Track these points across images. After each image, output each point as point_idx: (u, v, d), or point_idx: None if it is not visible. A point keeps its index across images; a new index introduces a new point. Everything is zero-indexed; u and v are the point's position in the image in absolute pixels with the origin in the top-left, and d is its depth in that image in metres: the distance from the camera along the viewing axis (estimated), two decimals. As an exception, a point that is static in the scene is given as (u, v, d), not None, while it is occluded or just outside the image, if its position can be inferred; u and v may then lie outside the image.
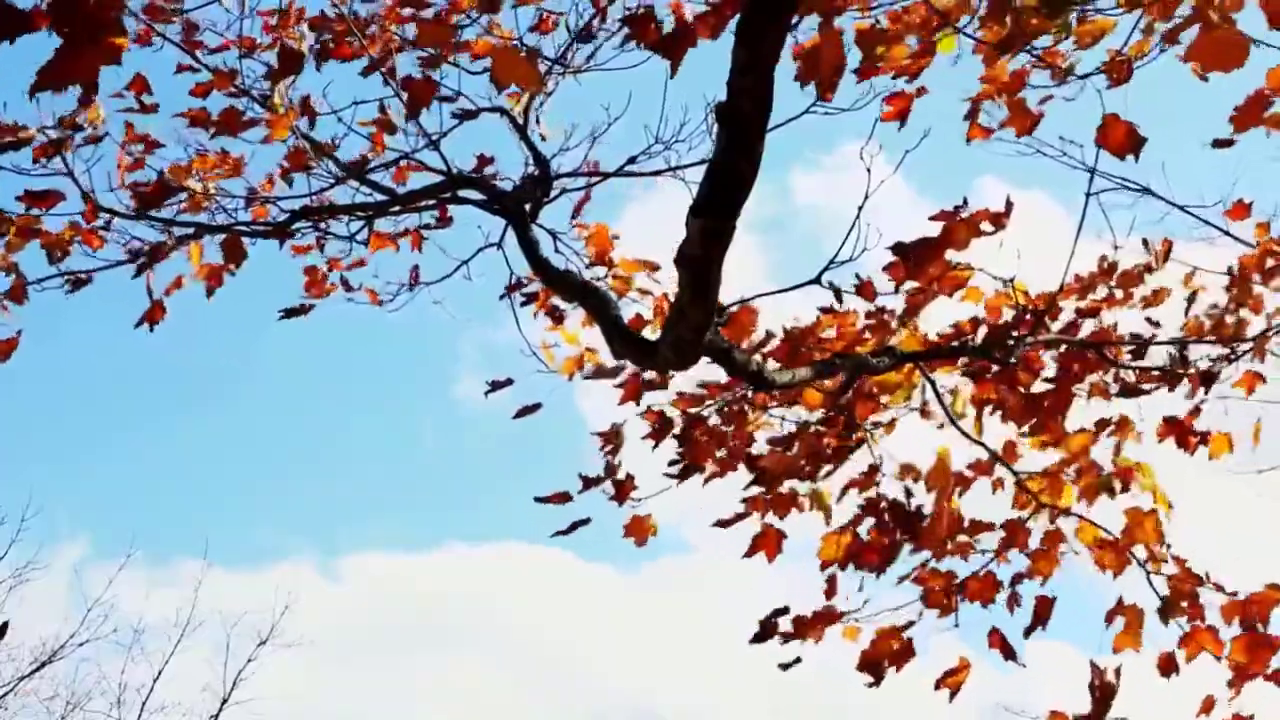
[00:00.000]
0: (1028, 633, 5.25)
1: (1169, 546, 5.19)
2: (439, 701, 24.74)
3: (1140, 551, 5.19)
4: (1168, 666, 5.23)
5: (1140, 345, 5.52)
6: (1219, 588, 5.13)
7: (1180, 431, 5.53)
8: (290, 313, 5.94)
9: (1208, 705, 5.15)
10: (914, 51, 4.45)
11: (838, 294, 4.91)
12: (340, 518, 31.30)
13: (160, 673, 18.37)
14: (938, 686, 5.17)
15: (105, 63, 3.14)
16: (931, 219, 4.85)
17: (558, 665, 26.49)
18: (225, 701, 18.34)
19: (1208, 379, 5.49)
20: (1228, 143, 4.49)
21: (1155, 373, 5.53)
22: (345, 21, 5.05)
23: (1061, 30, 4.43)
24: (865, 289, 5.06)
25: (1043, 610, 5.27)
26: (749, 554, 5.47)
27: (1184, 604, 5.16)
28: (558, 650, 26.79)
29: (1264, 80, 3.75)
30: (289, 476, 30.92)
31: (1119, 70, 4.29)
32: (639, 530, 5.68)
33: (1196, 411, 5.60)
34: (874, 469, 5.44)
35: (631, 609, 27.90)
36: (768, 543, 5.46)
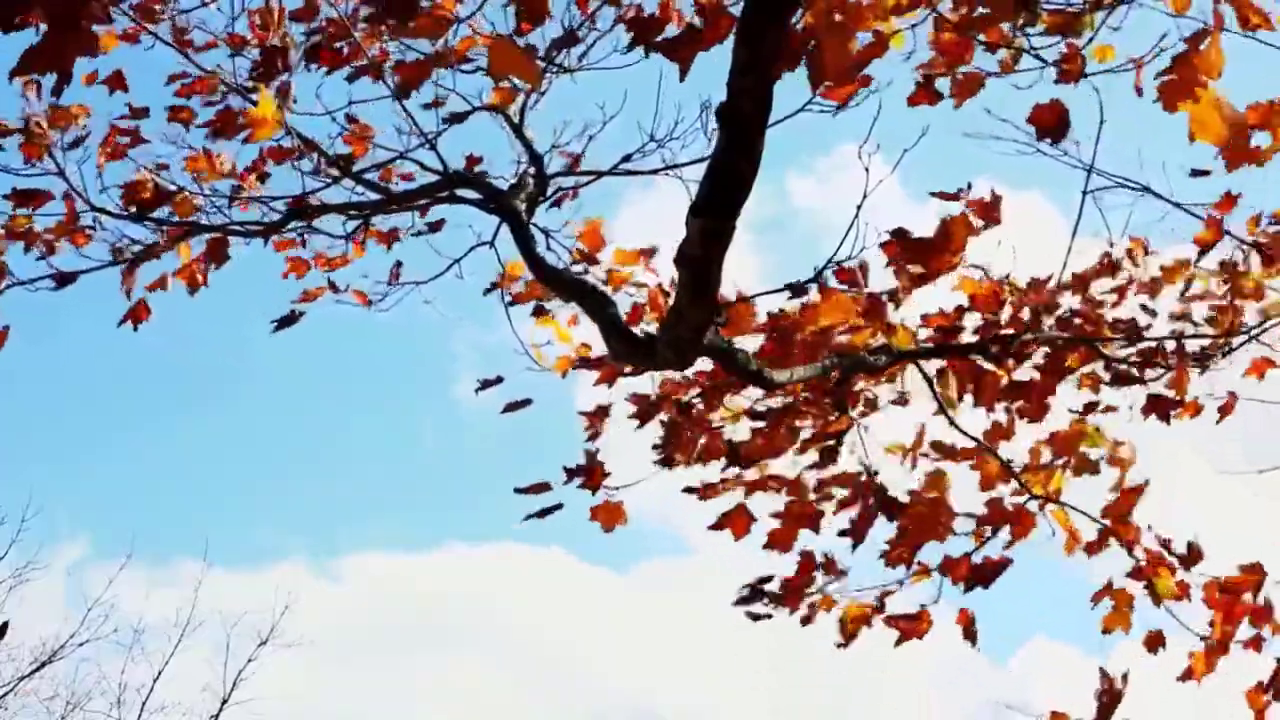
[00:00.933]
0: (969, 587, 5.29)
1: (1149, 529, 5.26)
2: (439, 701, 24.79)
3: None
4: (1154, 643, 5.33)
5: (1134, 336, 5.56)
6: (1194, 551, 5.20)
7: (1161, 406, 5.58)
8: (282, 323, 5.89)
9: (1187, 673, 5.24)
10: (865, 45, 4.47)
11: (822, 286, 4.91)
12: (339, 518, 31.32)
13: (160, 673, 18.37)
14: (898, 644, 5.23)
15: (83, 53, 3.13)
16: (932, 194, 4.90)
17: (557, 665, 26.57)
18: (225, 701, 18.32)
19: (1202, 360, 5.53)
20: (1205, 172, 4.63)
21: (1148, 358, 5.58)
22: (340, 20, 5.02)
23: (1028, 19, 4.45)
24: (846, 274, 5.05)
25: (995, 569, 5.29)
26: (716, 527, 5.43)
27: (1171, 583, 5.24)
28: (557, 650, 26.90)
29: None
30: (288, 476, 30.91)
31: (1071, 65, 4.33)
32: (608, 516, 5.61)
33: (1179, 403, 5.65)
34: (834, 449, 5.43)
35: (630, 610, 28.02)
36: (737, 520, 5.45)
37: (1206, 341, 5.60)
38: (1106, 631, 5.32)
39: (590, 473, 5.53)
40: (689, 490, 5.53)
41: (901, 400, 5.47)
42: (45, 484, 30.66)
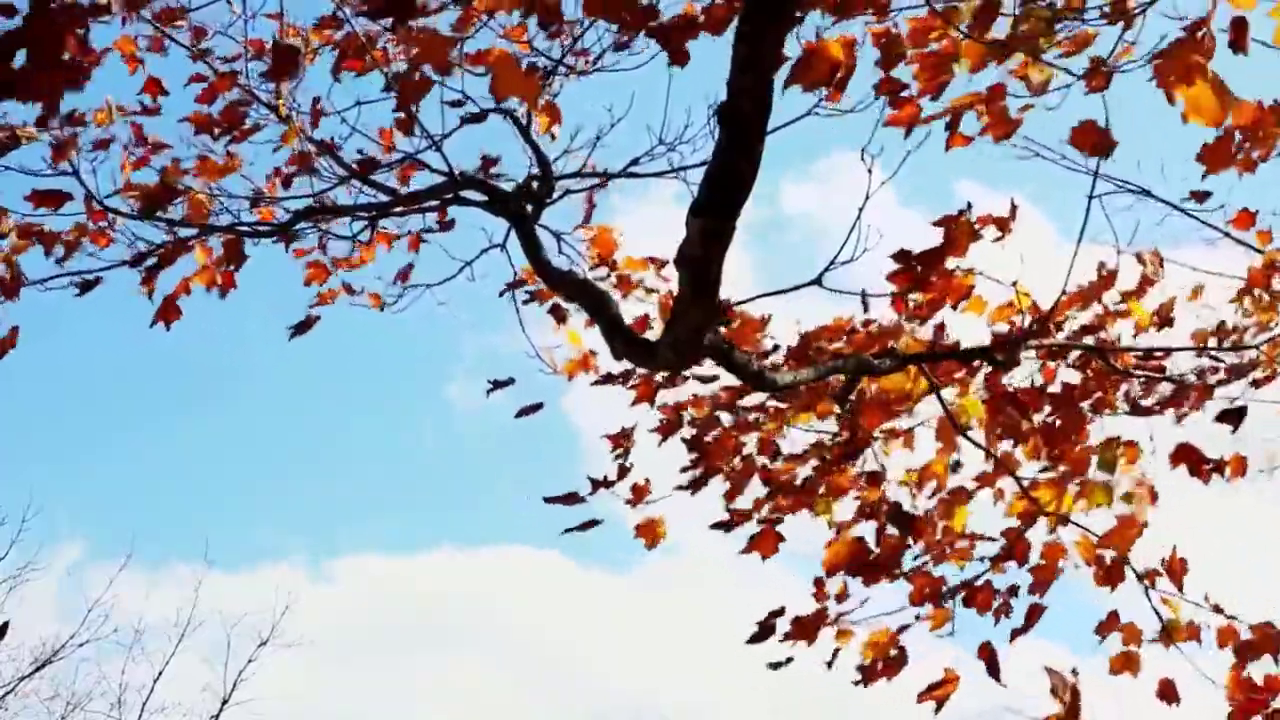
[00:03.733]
0: (1014, 637, 5.26)
1: (1173, 558, 5.17)
2: (439, 702, 24.79)
3: (1139, 566, 5.18)
4: (1169, 694, 5.22)
5: (1148, 353, 5.49)
6: (1218, 609, 5.11)
7: (1193, 459, 5.41)
8: (299, 329, 5.91)
9: None
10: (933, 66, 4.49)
11: (865, 304, 4.91)
12: (338, 519, 31.28)
13: (160, 673, 18.42)
14: (921, 699, 5.14)
15: (70, 85, 3.14)
16: (935, 224, 4.85)
17: (558, 665, 26.59)
18: (226, 701, 18.35)
19: (1236, 415, 5.44)
20: (1205, 195, 4.56)
21: (1169, 386, 5.50)
22: (355, 37, 5.07)
23: (1048, 38, 4.44)
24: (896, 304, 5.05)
25: (1032, 617, 5.28)
26: (745, 551, 5.44)
27: (1182, 627, 5.14)
28: (557, 650, 26.97)
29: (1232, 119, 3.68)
30: (287, 477, 31.06)
31: (1098, 78, 4.30)
32: (650, 533, 5.69)
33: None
34: (877, 476, 5.43)
35: (628, 610, 28.08)
36: (765, 542, 5.44)
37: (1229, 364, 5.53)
38: (1114, 673, 5.24)
39: (636, 491, 5.60)
40: (718, 526, 5.53)
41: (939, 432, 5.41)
42: (43, 484, 30.90)
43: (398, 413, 31.72)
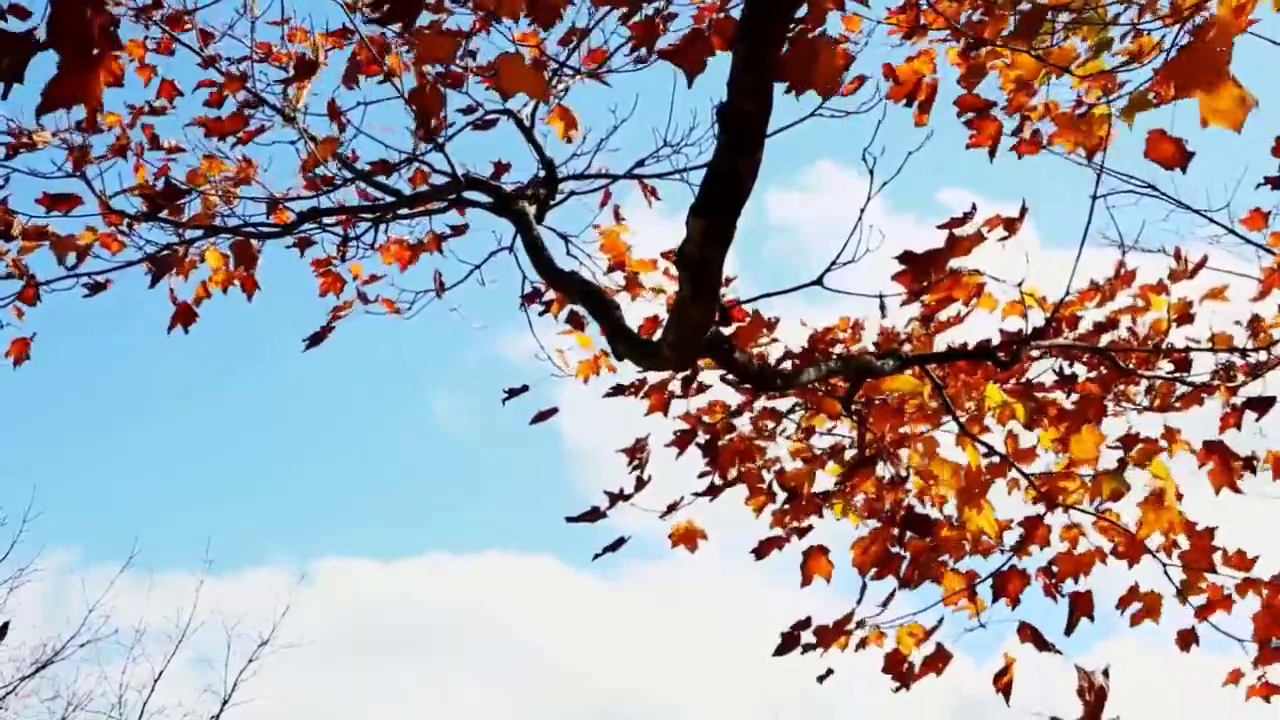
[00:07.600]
0: (1069, 630, 5.21)
1: (1191, 526, 5.15)
2: (436, 704, 24.73)
3: (1157, 539, 5.15)
4: (1187, 641, 5.25)
5: (1156, 353, 5.46)
6: (1241, 556, 5.09)
7: (1223, 457, 5.31)
8: (314, 340, 5.90)
9: (1234, 677, 5.12)
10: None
11: (883, 307, 4.90)
12: (329, 522, 31.26)
13: (160, 674, 18.44)
14: (998, 689, 5.12)
15: (109, 82, 3.08)
16: (940, 227, 4.84)
17: (553, 668, 26.55)
18: (226, 702, 18.38)
19: (1264, 403, 5.40)
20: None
21: (1189, 386, 5.47)
22: (365, 46, 5.08)
23: (1102, 47, 4.43)
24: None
25: (1082, 606, 5.23)
26: (805, 584, 5.39)
27: (1201, 584, 5.13)
28: (550, 653, 27.02)
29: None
30: (279, 479, 31.12)
31: (1165, 86, 4.25)
32: (688, 537, 5.79)
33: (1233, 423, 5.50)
34: (896, 481, 5.42)
35: (621, 614, 28.23)
36: (818, 564, 5.39)
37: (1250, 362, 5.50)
38: (1135, 624, 5.25)
39: (672, 507, 5.63)
40: (756, 552, 5.55)
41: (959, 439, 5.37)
42: (41, 487, 30.87)
43: (386, 416, 31.89)
